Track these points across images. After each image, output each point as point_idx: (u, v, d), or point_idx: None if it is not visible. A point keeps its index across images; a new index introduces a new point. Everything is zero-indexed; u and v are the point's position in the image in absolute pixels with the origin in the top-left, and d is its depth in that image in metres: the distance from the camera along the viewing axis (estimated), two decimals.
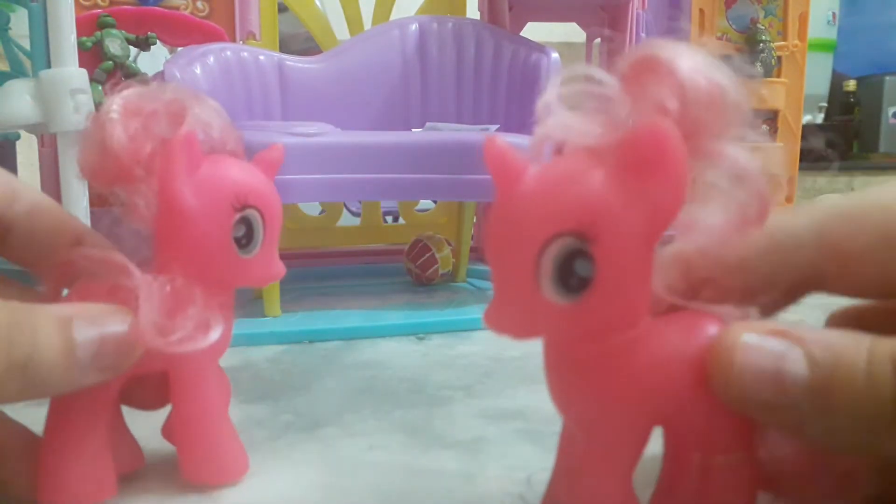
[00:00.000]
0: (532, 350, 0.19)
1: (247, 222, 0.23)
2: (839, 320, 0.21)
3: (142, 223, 0.23)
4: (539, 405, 0.19)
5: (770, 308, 0.19)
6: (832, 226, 0.18)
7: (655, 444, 0.20)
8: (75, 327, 0.20)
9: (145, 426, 0.26)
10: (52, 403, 0.23)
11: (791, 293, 0.19)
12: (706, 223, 0.17)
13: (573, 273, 0.16)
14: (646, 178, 0.16)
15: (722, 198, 0.17)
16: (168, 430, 0.26)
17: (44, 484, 0.22)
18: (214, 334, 0.22)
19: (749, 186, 0.17)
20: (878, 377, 0.15)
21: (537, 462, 0.27)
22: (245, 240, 0.23)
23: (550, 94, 0.17)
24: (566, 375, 0.18)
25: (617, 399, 0.18)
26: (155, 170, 0.22)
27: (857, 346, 0.15)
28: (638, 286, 0.17)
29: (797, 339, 0.16)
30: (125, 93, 0.23)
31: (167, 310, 0.21)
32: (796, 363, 0.16)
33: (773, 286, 0.18)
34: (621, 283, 0.16)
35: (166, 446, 0.26)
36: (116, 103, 0.22)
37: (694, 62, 0.16)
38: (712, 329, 0.18)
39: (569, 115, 0.17)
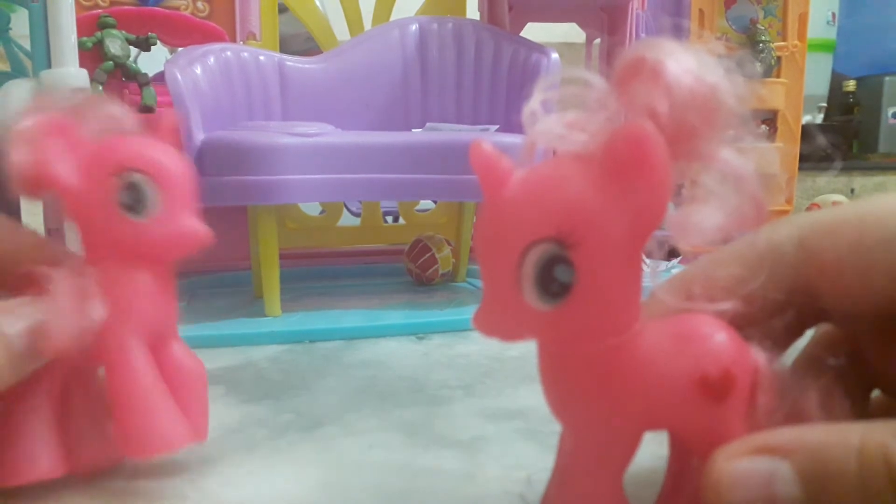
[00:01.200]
0: (532, 349, 0.19)
1: (132, 187, 0.24)
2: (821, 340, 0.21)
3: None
4: (539, 405, 0.19)
5: (782, 337, 0.19)
6: (813, 236, 0.18)
7: (661, 446, 0.20)
8: (2, 324, 0.21)
9: None
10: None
11: (790, 310, 0.19)
12: (701, 226, 0.16)
13: (554, 279, 0.16)
14: (627, 181, 0.15)
15: (717, 200, 0.17)
16: None
17: None
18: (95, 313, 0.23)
19: (744, 189, 0.16)
20: (871, 483, 0.15)
21: (537, 462, 0.27)
22: (135, 204, 0.24)
23: (535, 101, 0.17)
24: (557, 377, 0.18)
25: (606, 402, 0.18)
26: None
27: (845, 450, 0.15)
28: (622, 291, 0.17)
29: (784, 451, 0.16)
30: (33, 114, 0.23)
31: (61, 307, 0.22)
32: (786, 483, 0.15)
33: (769, 301, 0.18)
34: (603, 288, 0.16)
35: None
36: (29, 122, 0.23)
37: (684, 63, 0.16)
38: (706, 331, 0.18)
39: (554, 122, 0.17)
